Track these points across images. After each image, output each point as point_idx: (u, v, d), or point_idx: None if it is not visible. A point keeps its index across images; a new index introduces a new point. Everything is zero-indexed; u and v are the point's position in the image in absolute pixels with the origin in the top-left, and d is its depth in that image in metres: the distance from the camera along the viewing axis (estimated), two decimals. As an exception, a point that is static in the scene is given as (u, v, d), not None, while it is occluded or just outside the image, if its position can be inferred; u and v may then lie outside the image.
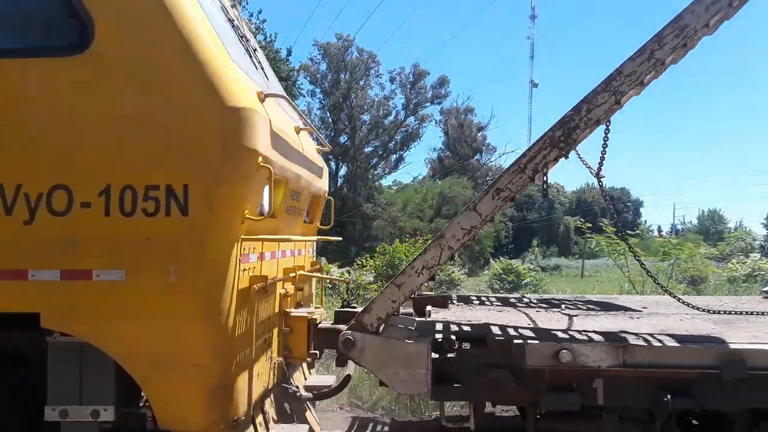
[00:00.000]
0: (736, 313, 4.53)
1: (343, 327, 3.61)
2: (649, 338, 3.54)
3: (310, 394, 4.18)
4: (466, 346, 3.69)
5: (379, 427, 5.47)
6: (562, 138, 3.43)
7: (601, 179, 3.82)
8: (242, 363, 3.06)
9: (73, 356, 2.88)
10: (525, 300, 5.55)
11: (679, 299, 4.46)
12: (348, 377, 4.11)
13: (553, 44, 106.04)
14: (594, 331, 3.70)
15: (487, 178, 40.13)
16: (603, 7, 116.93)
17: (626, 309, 4.86)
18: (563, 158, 3.51)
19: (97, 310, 2.80)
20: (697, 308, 4.39)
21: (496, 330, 3.81)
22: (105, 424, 2.91)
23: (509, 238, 46.18)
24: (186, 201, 2.80)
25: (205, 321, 2.87)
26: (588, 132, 3.60)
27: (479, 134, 48.00)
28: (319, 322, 3.86)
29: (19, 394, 3.19)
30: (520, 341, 3.44)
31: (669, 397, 3.24)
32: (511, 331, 3.76)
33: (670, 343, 3.44)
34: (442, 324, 4.13)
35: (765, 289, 8.58)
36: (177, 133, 2.81)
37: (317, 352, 3.79)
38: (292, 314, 3.82)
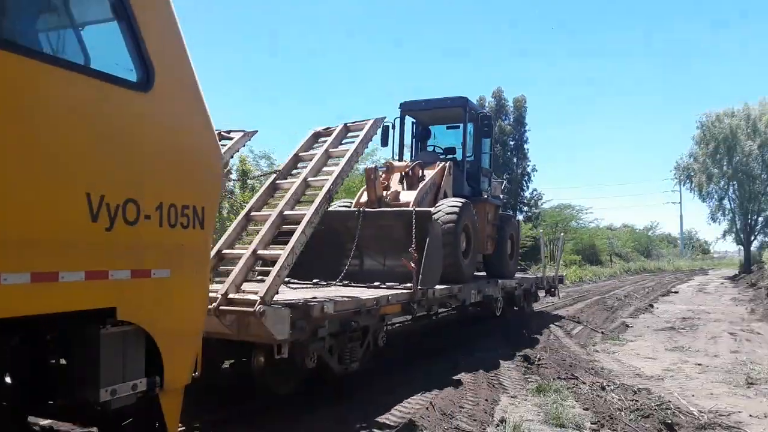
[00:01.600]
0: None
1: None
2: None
3: None
4: None
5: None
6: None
7: None
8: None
9: (119, 342, 3.40)
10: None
11: None
12: None
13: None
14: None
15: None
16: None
17: None
18: None
19: (152, 302, 3.54)
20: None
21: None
22: (138, 394, 3.51)
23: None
24: (203, 218, 3.86)
25: (204, 305, 4.06)
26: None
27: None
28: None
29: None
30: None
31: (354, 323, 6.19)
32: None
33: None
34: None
35: None
36: (198, 171, 3.90)
37: None
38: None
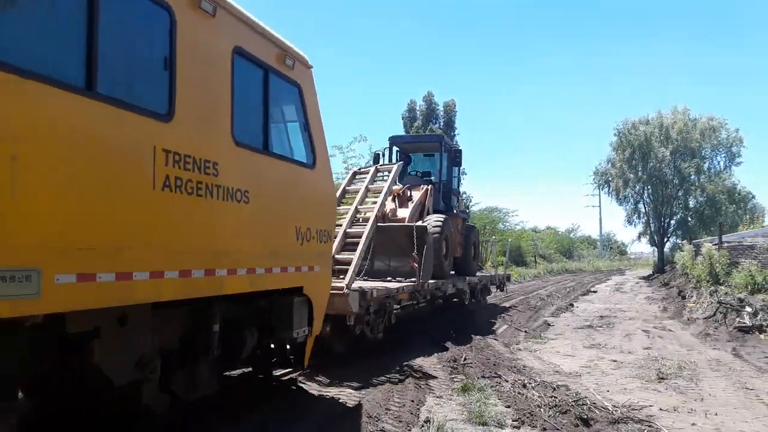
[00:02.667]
0: None
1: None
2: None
3: None
4: None
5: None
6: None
7: None
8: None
9: (301, 305, 5.96)
10: None
11: None
12: None
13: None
14: None
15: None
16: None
17: None
18: None
19: (314, 284, 6.19)
20: None
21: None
22: (305, 335, 6.13)
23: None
24: (330, 237, 6.58)
25: (329, 288, 6.86)
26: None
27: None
28: None
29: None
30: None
31: (387, 304, 9.07)
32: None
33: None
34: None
35: None
36: (329, 210, 6.70)
37: None
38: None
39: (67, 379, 4.40)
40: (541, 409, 6.22)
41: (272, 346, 6.63)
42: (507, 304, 18.11)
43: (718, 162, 38.48)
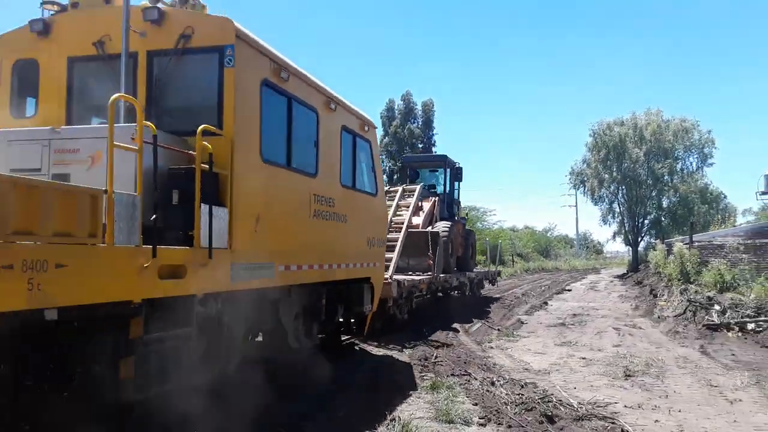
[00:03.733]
0: None
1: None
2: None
3: None
4: None
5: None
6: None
7: None
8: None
9: (368, 290, 8.66)
10: None
11: None
12: None
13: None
14: None
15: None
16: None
17: None
18: None
19: (376, 275, 8.92)
20: None
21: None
22: (369, 311, 8.87)
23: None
24: (383, 243, 9.57)
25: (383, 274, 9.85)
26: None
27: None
28: None
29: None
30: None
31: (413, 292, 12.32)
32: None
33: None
34: None
35: None
36: (384, 224, 10.05)
37: None
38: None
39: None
40: (508, 407, 6.23)
41: (341, 319, 8.98)
42: (497, 296, 20.82)
43: (691, 163, 39.12)
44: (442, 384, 7.11)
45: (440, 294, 15.99)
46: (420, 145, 43.21)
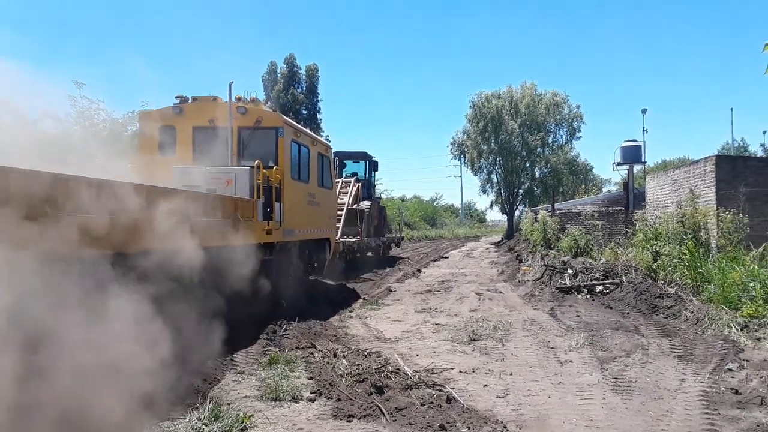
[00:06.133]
0: None
1: None
2: None
3: None
4: None
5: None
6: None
7: None
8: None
9: (328, 246, 13.91)
10: None
11: None
12: None
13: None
14: None
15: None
16: None
17: None
18: None
19: (333, 236, 14.72)
20: None
21: None
22: (327, 260, 13.86)
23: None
24: (336, 218, 16.50)
25: (336, 236, 15.97)
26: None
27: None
28: None
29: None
30: None
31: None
32: None
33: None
34: None
35: None
36: (335, 205, 16.73)
37: None
38: None
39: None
40: (343, 379, 6.01)
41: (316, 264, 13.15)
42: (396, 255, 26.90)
43: (561, 136, 41.43)
44: (279, 358, 6.76)
45: (358, 255, 20.26)
46: (304, 111, 42.29)
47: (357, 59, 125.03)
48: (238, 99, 10.35)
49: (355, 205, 20.02)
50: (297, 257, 11.35)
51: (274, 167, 9.75)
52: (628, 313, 10.60)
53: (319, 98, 43.52)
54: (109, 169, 7.28)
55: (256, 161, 9.17)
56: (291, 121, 11.10)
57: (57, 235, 4.12)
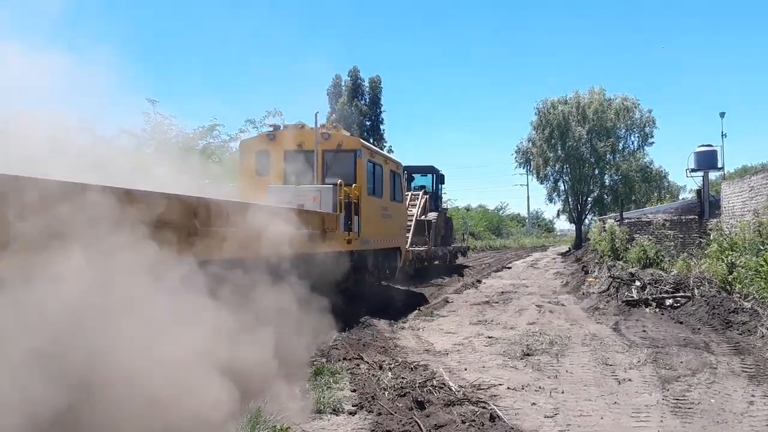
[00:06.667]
0: None
1: None
2: None
3: None
4: None
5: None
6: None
7: None
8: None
9: (400, 254, 15.41)
10: None
11: None
12: None
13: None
14: None
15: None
16: None
17: None
18: None
19: (403, 246, 15.93)
20: None
21: None
22: (398, 267, 15.50)
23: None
24: (405, 228, 18.00)
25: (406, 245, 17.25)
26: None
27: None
28: None
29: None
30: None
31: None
32: None
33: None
34: None
35: None
36: (405, 218, 18.64)
37: None
38: None
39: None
40: (386, 392, 5.90)
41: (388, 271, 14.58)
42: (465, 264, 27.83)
43: (632, 141, 39.81)
44: (324, 369, 6.72)
45: (426, 263, 21.48)
46: (368, 123, 42.65)
47: (419, 67, 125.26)
48: (322, 126, 11.84)
49: (423, 216, 20.89)
50: (372, 264, 12.81)
51: (353, 185, 11.22)
52: (699, 328, 9.94)
53: (382, 109, 43.79)
54: (221, 188, 10.61)
55: (338, 180, 10.54)
56: (367, 143, 12.92)
57: (205, 245, 5.74)
